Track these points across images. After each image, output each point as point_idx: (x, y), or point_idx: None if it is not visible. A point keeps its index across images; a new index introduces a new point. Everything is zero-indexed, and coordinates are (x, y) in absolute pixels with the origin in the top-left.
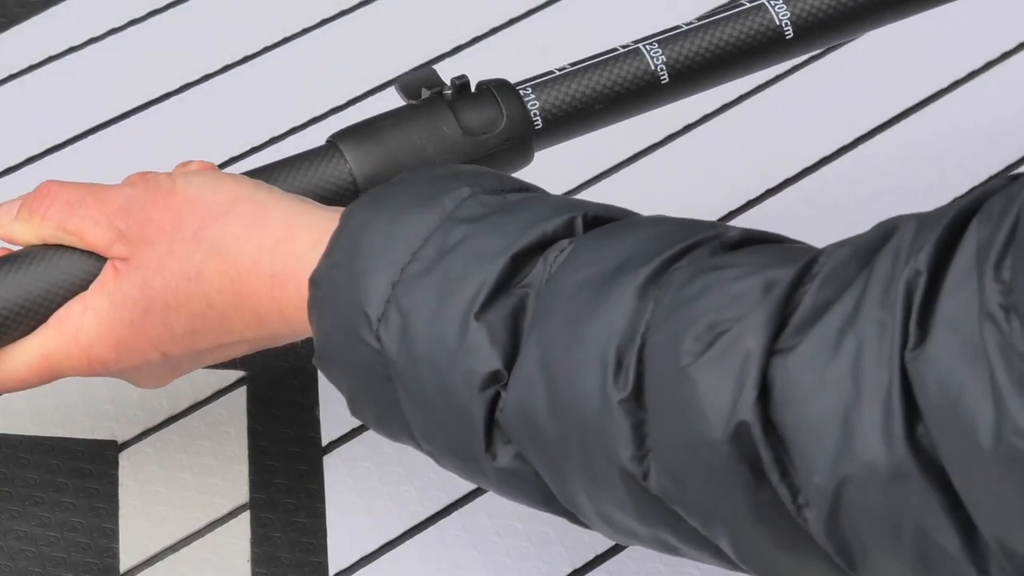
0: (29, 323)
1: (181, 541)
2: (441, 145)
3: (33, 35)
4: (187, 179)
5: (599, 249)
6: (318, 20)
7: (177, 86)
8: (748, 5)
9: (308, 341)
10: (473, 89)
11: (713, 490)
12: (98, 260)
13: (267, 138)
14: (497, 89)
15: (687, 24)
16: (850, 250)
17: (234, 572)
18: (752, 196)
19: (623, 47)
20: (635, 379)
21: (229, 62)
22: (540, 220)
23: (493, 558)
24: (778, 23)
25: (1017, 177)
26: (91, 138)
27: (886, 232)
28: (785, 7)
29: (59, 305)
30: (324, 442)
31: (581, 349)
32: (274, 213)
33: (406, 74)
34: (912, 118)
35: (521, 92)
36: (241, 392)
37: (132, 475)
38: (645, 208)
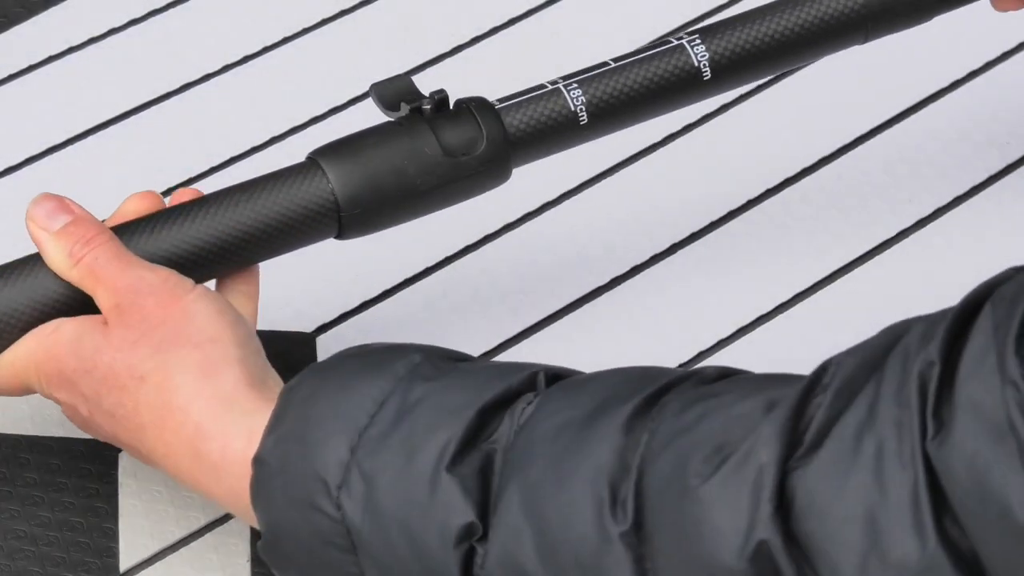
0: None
1: (181, 541)
2: (422, 167)
3: (33, 35)
4: (200, 295)
5: (571, 396)
6: (318, 20)
7: (177, 86)
8: (670, 45)
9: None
10: (452, 106)
11: None
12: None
13: (267, 138)
14: (477, 109)
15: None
16: (859, 358)
17: (234, 572)
18: (752, 196)
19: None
20: (634, 512)
21: (229, 62)
22: (502, 376)
23: None
24: (696, 64)
25: (1022, 269)
26: (91, 138)
27: (894, 336)
28: (704, 48)
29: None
30: None
31: (570, 488)
32: (229, 373)
33: (382, 82)
34: (912, 118)
35: (500, 109)
36: None
37: (132, 475)
38: (645, 209)
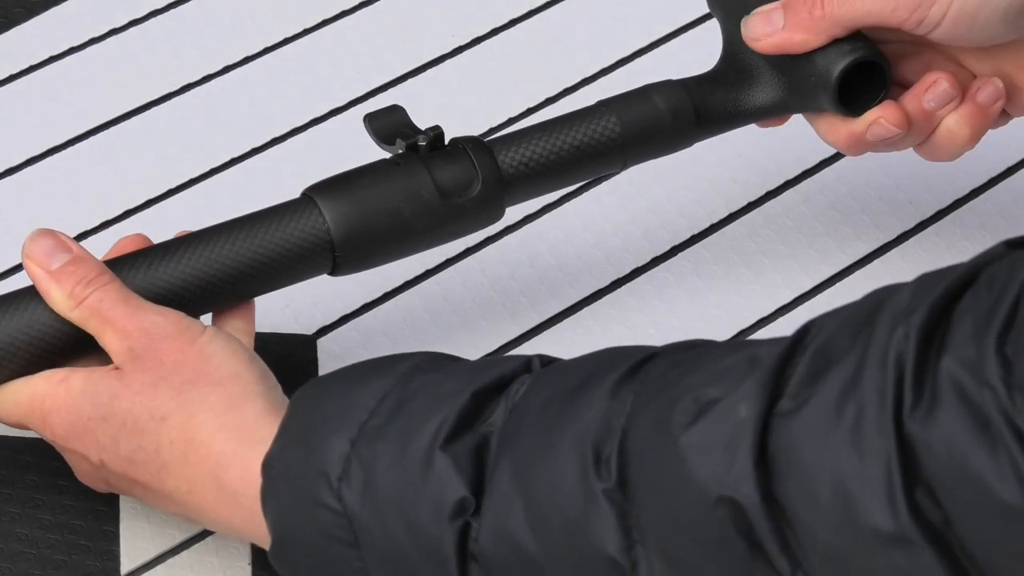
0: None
1: (182, 544)
2: (418, 208)
3: (33, 35)
4: (213, 336)
5: (562, 372)
6: (318, 20)
7: (177, 86)
8: None
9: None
10: (447, 142)
11: (707, 565)
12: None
13: (268, 139)
14: (472, 149)
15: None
16: (840, 320)
17: (235, 575)
18: (753, 198)
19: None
20: (618, 469)
21: (229, 62)
22: (498, 364)
23: None
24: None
25: (1013, 244)
26: (91, 138)
27: (878, 300)
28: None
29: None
30: None
31: (555, 452)
32: (252, 405)
33: (376, 113)
34: None
35: (495, 149)
36: None
37: None
38: (645, 211)
